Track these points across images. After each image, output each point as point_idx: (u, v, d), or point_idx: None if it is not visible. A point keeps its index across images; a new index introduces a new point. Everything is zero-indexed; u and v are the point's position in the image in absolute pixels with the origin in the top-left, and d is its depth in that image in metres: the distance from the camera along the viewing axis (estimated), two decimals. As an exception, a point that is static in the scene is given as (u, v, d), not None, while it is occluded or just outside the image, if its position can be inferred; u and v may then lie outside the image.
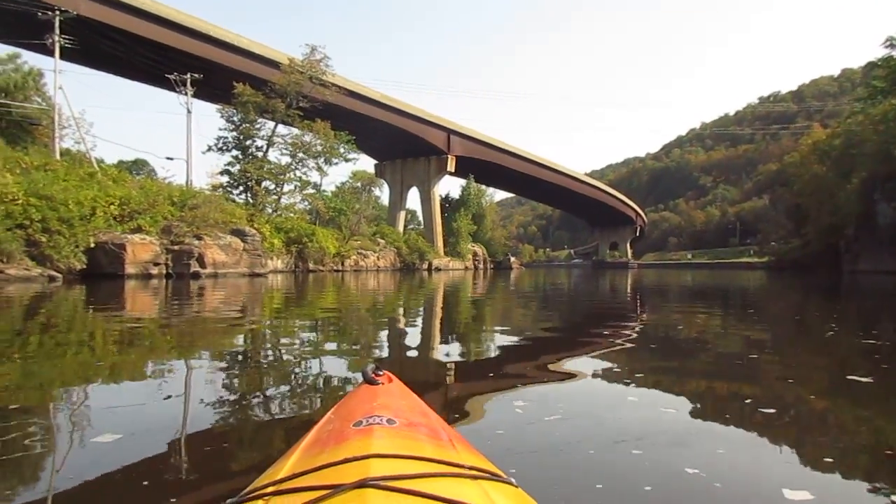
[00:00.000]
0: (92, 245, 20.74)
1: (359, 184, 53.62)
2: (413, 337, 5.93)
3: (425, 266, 51.76)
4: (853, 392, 3.24)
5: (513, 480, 0.89)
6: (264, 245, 31.46)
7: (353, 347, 4.96)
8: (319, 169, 40.71)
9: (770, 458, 2.15)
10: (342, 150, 41.80)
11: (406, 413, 1.09)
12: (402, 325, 7.16)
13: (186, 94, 34.99)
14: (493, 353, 4.78)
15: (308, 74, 37.74)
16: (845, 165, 45.07)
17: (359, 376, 1.87)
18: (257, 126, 37.21)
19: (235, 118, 36.32)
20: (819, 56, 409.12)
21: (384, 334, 6.16)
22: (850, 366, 4.16)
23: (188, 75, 34.52)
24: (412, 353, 4.83)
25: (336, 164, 42.09)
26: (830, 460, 2.10)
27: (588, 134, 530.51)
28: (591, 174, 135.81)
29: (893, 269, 31.33)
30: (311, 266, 35.86)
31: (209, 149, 37.39)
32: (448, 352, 4.88)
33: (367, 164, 64.02)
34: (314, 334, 5.99)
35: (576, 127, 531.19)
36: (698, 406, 2.90)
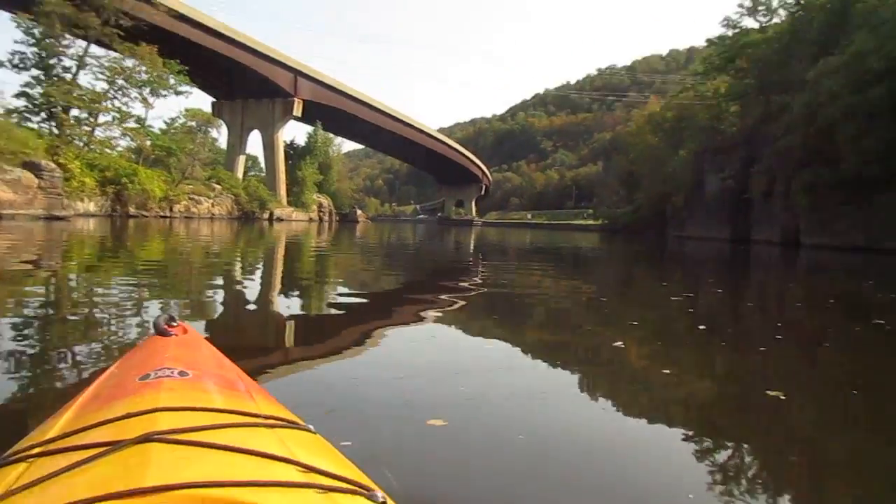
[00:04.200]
0: None
1: (193, 123, 48.35)
2: (246, 292, 5.59)
3: (266, 216, 48.91)
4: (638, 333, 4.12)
5: (311, 427, 0.88)
6: (72, 184, 27.33)
7: (176, 301, 4.57)
8: (144, 100, 35.88)
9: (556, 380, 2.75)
10: (172, 82, 37.13)
11: (201, 365, 1.05)
12: (236, 280, 6.72)
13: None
14: (329, 309, 4.70)
15: (131, -13, 32.69)
16: (676, 137, 48.42)
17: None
18: (65, 43, 31.54)
19: (37, 31, 30.43)
20: (650, 36, 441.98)
21: (215, 290, 5.70)
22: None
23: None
24: (242, 309, 4.56)
25: (165, 96, 37.34)
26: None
27: (439, 90, 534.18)
28: (440, 131, 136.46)
29: (717, 235, 34.09)
30: (131, 210, 32.03)
31: (0, 64, 31.22)
32: (282, 307, 4.72)
33: (203, 101, 58.21)
34: (128, 290, 5.23)
35: (430, 82, 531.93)
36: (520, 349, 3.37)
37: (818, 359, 3.56)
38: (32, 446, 0.74)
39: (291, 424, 0.86)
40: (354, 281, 7.05)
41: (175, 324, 1.27)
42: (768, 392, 2.48)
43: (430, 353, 3.23)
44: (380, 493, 0.69)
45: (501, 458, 1.75)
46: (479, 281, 7.40)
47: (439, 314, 4.44)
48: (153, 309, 4.08)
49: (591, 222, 74.62)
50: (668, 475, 1.75)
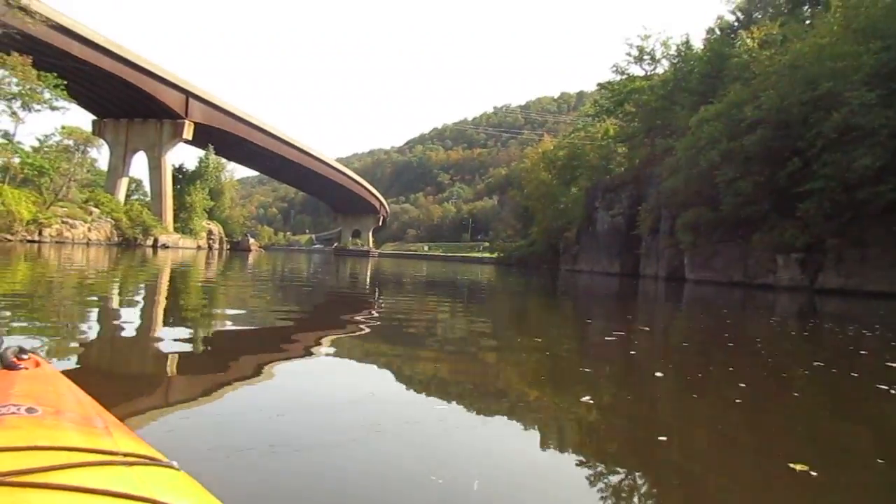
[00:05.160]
0: None
1: (70, 141, 44.75)
2: (121, 325, 5.06)
3: (150, 242, 45.88)
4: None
5: (174, 464, 0.84)
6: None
7: (37, 335, 4.06)
8: (13, 114, 32.82)
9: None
10: (47, 96, 34.30)
11: (53, 401, 0.98)
12: (110, 311, 6.13)
13: None
14: (214, 343, 4.43)
15: (3, -8, 30.00)
16: (568, 175, 50.52)
17: None
18: (-80, 46, 28.41)
19: None
20: (543, 78, 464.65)
21: (84, 322, 5.14)
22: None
23: None
24: (113, 343, 4.17)
25: (38, 111, 34.30)
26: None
27: (338, 120, 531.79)
28: (338, 161, 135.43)
29: (608, 269, 35.53)
30: (-7, 233, 28.86)
31: None
32: (160, 341, 4.33)
33: (83, 119, 54.20)
34: None
35: (327, 112, 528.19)
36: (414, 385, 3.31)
37: (825, 416, 3.20)
38: None
39: (153, 461, 0.81)
40: (244, 314, 6.64)
41: (26, 357, 1.18)
42: (792, 465, 2.09)
43: (315, 388, 3.12)
44: None
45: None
46: (375, 315, 7.21)
47: (330, 349, 4.31)
48: (9, 341, 3.37)
49: (486, 255, 76.14)
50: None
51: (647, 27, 40.11)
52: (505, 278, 23.83)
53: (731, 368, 4.41)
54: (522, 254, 53.85)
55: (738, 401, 3.16)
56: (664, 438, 2.42)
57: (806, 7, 33.42)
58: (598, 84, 43.65)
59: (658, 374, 3.91)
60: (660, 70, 39.53)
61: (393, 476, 1.87)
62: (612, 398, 3.29)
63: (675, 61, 37.95)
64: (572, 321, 8.47)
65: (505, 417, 2.73)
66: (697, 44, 37.93)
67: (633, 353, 4.97)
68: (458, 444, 2.27)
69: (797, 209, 20.79)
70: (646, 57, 39.59)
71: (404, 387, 3.26)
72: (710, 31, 39.56)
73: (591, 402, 2.94)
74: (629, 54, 39.91)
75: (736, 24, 37.56)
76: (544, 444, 2.35)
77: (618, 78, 40.75)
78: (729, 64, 29.59)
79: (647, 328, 7.45)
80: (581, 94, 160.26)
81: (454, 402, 2.89)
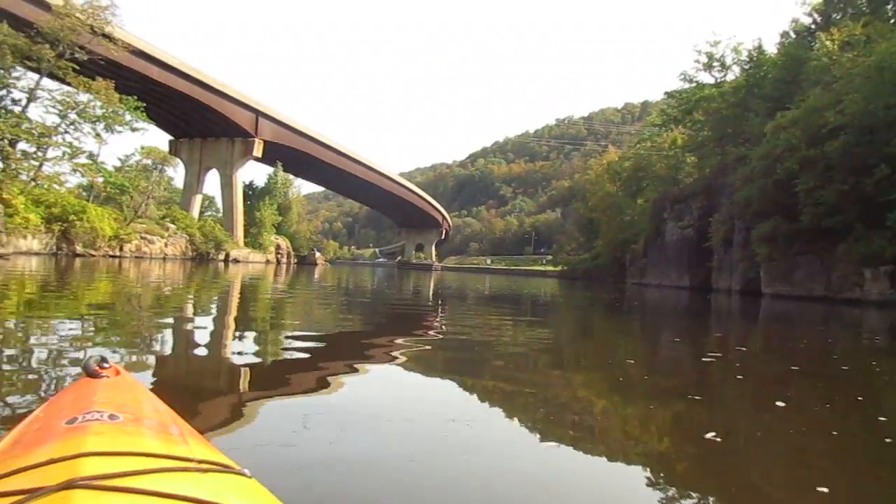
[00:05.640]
0: None
1: (149, 160, 47.05)
2: (194, 335, 5.31)
3: (222, 257, 47.43)
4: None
5: (246, 471, 0.86)
6: (15, 220, 25.97)
7: (118, 344, 4.28)
8: (97, 136, 34.54)
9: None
10: (128, 118, 35.96)
11: (132, 408, 1.01)
12: (185, 322, 6.33)
13: None
14: (281, 355, 4.53)
15: (88, 22, 31.80)
16: (634, 186, 49.38)
17: None
18: (15, 75, 30.32)
19: (-16, 62, 29.09)
20: (607, 89, 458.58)
21: (161, 332, 5.38)
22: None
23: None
24: (187, 353, 4.38)
25: (120, 132, 36.00)
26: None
27: (401, 135, 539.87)
28: (401, 175, 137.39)
29: (677, 283, 34.34)
30: (78, 249, 30.48)
31: (-56, 95, 29.66)
32: (231, 352, 4.55)
33: (160, 139, 56.87)
34: (67, 332, 4.95)
35: (390, 127, 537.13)
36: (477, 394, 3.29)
37: None
38: None
39: (226, 469, 0.83)
40: (311, 327, 6.74)
41: (107, 365, 1.22)
42: None
43: (380, 402, 3.07)
44: None
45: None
46: (438, 328, 7.13)
47: (395, 362, 4.29)
48: (92, 352, 3.72)
49: (549, 268, 75.11)
50: None
51: (717, 33, 38.52)
52: (571, 292, 23.37)
53: (859, 398, 3.98)
54: (587, 267, 52.83)
55: (887, 440, 2.68)
56: (824, 490, 1.99)
57: (890, 5, 31.59)
58: (666, 93, 42.66)
59: (779, 402, 3.41)
60: (730, 77, 38.21)
61: (456, 497, 1.83)
62: (739, 432, 2.86)
63: (746, 67, 36.61)
64: (660, 340, 7.92)
65: (614, 453, 2.39)
66: (770, 48, 36.53)
67: (739, 377, 4.55)
68: (527, 472, 2.08)
69: (887, 219, 19.51)
70: (715, 63, 38.35)
71: (471, 405, 3.12)
72: (785, 34, 37.94)
73: (717, 438, 2.48)
74: (697, 61, 38.79)
75: (813, 26, 35.89)
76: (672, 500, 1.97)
77: (686, 86, 39.64)
78: (806, 68, 28.25)
79: (743, 348, 6.94)
80: (646, 104, 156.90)
81: (546, 433, 2.61)
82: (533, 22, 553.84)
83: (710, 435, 2.49)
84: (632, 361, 5.19)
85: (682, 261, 35.10)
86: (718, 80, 38.56)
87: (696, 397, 3.58)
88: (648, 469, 2.22)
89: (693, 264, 34.03)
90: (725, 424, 2.96)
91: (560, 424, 2.81)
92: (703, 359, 5.49)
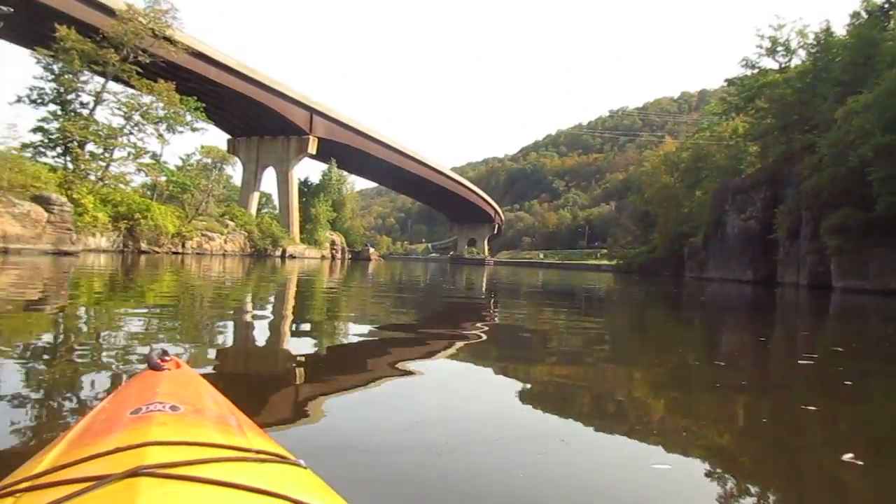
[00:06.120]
0: None
1: (209, 159, 48.46)
2: (253, 328, 5.42)
3: (279, 253, 48.50)
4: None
5: (302, 462, 0.88)
6: (85, 219, 27.06)
7: (180, 337, 4.44)
8: (160, 136, 35.68)
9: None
10: (188, 119, 37.06)
11: (193, 400, 1.05)
12: (244, 316, 6.45)
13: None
14: (337, 348, 4.52)
15: (150, 26, 32.84)
16: (692, 177, 47.84)
17: None
18: (83, 79, 31.58)
19: (55, 66, 30.44)
20: (662, 78, 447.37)
21: (221, 326, 5.51)
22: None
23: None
24: (245, 346, 4.45)
25: (181, 132, 37.12)
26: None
27: (452, 130, 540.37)
28: (453, 170, 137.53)
29: (739, 277, 33.10)
30: (143, 246, 31.66)
31: (19, 100, 31.01)
32: (288, 345, 4.62)
33: (218, 138, 58.40)
34: (133, 325, 5.08)
35: (441, 122, 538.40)
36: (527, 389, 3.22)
37: None
38: (20, 481, 0.73)
39: (282, 459, 0.86)
40: (365, 319, 6.77)
41: (168, 358, 1.26)
42: None
43: (434, 395, 3.06)
44: None
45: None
46: (493, 323, 7.00)
47: (449, 356, 4.28)
48: (155, 345, 3.56)
49: (604, 262, 73.75)
50: None
51: (781, 16, 36.65)
52: (628, 287, 22.79)
53: None
54: (643, 260, 51.47)
55: None
56: None
57: (972, -19, 29.57)
58: (726, 80, 40.88)
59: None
60: (795, 62, 36.44)
61: (510, 489, 1.80)
62: (882, 453, 2.43)
63: (813, 51, 34.85)
64: (745, 340, 7.13)
65: (739, 474, 2.09)
66: (838, 31, 34.65)
67: (848, 383, 4.06)
68: (585, 471, 2.05)
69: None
70: (779, 48, 36.60)
71: (528, 401, 2.99)
72: (856, 14, 35.90)
73: (858, 461, 2.08)
74: (760, 46, 37.00)
75: (886, 5, 33.91)
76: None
77: (747, 72, 37.97)
78: (880, 49, 26.64)
79: (839, 348, 6.28)
80: (703, 93, 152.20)
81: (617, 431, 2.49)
82: (585, 12, 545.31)
83: (847, 457, 2.12)
84: (721, 364, 4.82)
85: (745, 254, 33.78)
86: (783, 66, 36.84)
87: (811, 408, 3.12)
88: (780, 494, 1.98)
89: (756, 257, 32.72)
90: (861, 443, 2.54)
91: (693, 444, 2.45)
92: (800, 361, 5.09)
